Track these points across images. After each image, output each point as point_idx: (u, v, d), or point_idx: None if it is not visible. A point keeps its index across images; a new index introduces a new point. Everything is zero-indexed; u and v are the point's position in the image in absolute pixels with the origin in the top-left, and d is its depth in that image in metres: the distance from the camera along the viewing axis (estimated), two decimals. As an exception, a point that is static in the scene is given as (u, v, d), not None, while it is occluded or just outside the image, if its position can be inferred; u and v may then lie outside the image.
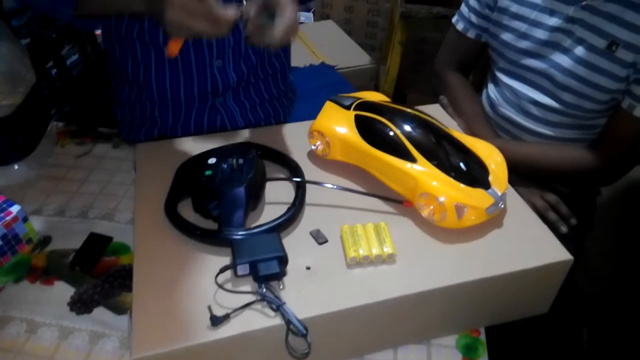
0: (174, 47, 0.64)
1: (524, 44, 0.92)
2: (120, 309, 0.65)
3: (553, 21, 0.87)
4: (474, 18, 1.01)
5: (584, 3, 0.83)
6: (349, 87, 1.37)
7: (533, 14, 0.90)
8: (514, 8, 0.92)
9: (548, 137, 0.94)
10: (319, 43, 1.83)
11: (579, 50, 0.85)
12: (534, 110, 0.94)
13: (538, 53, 0.90)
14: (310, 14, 2.32)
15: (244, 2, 0.65)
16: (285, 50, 0.98)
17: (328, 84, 1.41)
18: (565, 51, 0.87)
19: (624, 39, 0.80)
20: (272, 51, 0.83)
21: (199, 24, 0.60)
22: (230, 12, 0.61)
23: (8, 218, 0.69)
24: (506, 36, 0.94)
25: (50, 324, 0.63)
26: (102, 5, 0.73)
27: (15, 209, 0.70)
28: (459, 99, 1.02)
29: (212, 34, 0.62)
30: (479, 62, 1.09)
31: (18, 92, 0.80)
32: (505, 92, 0.99)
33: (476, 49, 1.05)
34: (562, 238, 0.62)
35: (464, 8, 1.04)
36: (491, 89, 1.03)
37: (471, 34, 1.03)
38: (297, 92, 1.13)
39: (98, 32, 1.16)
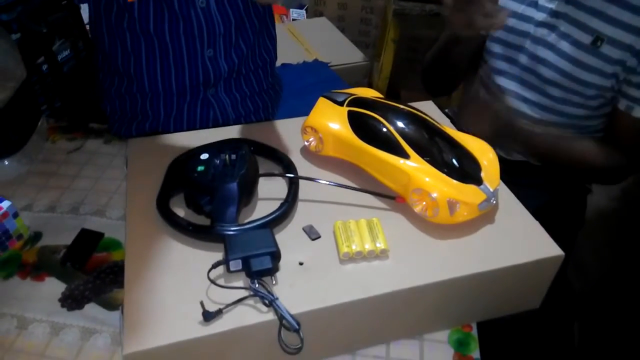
0: None
1: (511, 38, 0.92)
2: (111, 305, 0.65)
3: (538, 15, 0.88)
4: None
5: None
6: (343, 84, 1.37)
7: (521, 8, 0.90)
8: (503, 2, 0.93)
9: None
10: (313, 40, 1.82)
11: (564, 46, 0.85)
12: (523, 107, 0.94)
13: (525, 47, 0.91)
14: (304, 11, 2.32)
15: None
16: (272, 42, 0.98)
17: (321, 81, 1.41)
18: (551, 46, 0.87)
19: (608, 35, 0.80)
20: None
21: None
22: None
23: (-2, 214, 0.69)
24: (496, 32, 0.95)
25: (41, 320, 0.63)
26: None
27: (5, 204, 0.70)
28: None
29: None
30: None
31: (8, 87, 0.79)
32: (495, 92, 0.99)
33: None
34: (554, 235, 0.62)
35: None
36: (482, 92, 1.04)
37: None
38: (291, 89, 1.13)
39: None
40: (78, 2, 0.97)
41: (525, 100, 0.93)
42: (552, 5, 0.86)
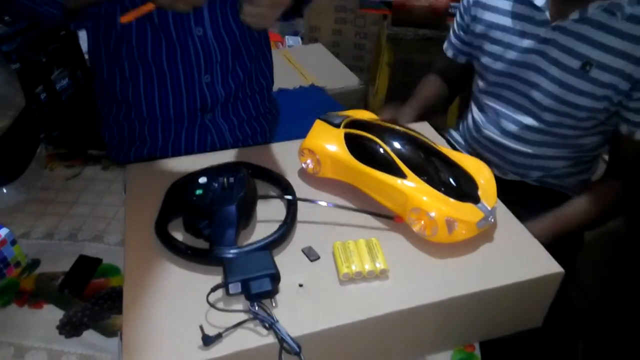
0: (131, 16, 0.65)
1: (500, 66, 0.94)
2: (110, 332, 0.64)
3: (526, 43, 0.89)
4: (459, 45, 1.05)
5: (553, 24, 0.85)
6: (339, 108, 1.38)
7: (506, 37, 0.92)
8: (489, 32, 0.95)
9: (528, 156, 0.96)
10: (308, 65, 1.85)
11: (555, 71, 0.86)
12: (515, 129, 0.95)
13: (516, 74, 0.92)
14: (299, 38, 2.36)
15: None
16: (269, 67, 1.00)
17: (318, 106, 1.42)
18: (542, 72, 0.88)
19: (597, 59, 0.82)
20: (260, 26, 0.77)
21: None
22: None
23: (-4, 241, 0.69)
24: (485, 60, 0.96)
25: (39, 347, 0.62)
26: None
27: (3, 232, 0.70)
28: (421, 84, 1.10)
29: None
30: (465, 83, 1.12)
31: (7, 115, 0.80)
32: (488, 113, 1.01)
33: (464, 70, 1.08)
34: (554, 255, 0.62)
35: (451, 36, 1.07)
36: (475, 112, 1.05)
37: (461, 60, 1.06)
38: (287, 114, 1.14)
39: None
40: (75, 28, 0.98)
41: (518, 123, 0.94)
42: (539, 32, 0.87)
